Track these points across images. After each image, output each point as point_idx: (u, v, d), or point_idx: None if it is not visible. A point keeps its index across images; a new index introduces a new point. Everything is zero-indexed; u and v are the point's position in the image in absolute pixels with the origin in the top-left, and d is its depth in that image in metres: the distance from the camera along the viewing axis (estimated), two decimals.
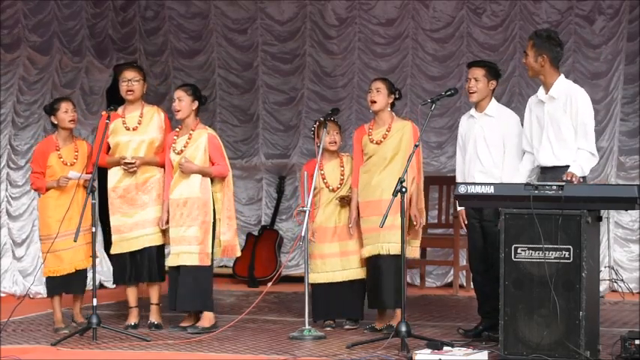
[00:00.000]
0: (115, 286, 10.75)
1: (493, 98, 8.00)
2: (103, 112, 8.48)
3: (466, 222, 8.00)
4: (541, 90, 7.50)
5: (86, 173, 8.37)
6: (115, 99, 10.29)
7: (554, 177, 7.26)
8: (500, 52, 11.02)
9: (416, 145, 7.72)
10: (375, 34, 11.55)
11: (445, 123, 11.31)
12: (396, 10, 11.45)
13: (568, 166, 7.28)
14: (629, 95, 10.68)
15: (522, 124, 7.77)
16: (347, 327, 8.42)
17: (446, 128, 11.32)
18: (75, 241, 7.97)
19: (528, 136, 7.59)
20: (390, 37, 11.51)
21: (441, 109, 11.00)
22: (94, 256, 8.01)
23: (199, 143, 8.31)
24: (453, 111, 11.27)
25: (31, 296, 10.05)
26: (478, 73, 7.93)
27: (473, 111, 8.03)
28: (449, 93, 7.99)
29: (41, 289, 10.33)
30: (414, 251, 8.30)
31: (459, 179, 8.02)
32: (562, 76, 7.48)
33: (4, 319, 8.39)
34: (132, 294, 8.52)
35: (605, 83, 10.69)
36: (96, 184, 8.10)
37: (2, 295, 10.17)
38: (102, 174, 8.55)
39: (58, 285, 8.47)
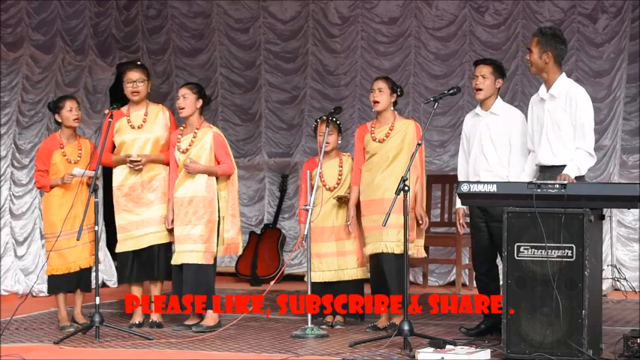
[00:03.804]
0: (117, 285, 10.86)
1: (499, 97, 7.99)
2: (106, 111, 8.48)
3: (461, 221, 7.98)
4: (542, 88, 7.49)
5: (90, 170, 8.37)
6: (118, 97, 10.34)
7: (552, 176, 7.25)
8: (503, 51, 11.02)
9: (418, 144, 7.72)
10: (377, 32, 11.55)
11: (448, 121, 11.32)
12: (398, 8, 11.45)
13: (567, 166, 7.29)
14: (631, 94, 10.68)
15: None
16: (338, 327, 8.42)
17: (448, 127, 11.32)
18: (78, 239, 7.99)
19: (531, 135, 7.60)
20: (392, 36, 11.51)
21: (443, 108, 11.01)
22: (96, 255, 8.01)
23: (204, 142, 8.30)
24: (455, 109, 11.28)
25: (34, 294, 10.06)
26: (485, 70, 7.91)
27: (478, 109, 8.01)
28: (451, 92, 7.98)
29: (44, 288, 10.34)
30: (419, 250, 8.29)
31: (461, 177, 8.02)
32: (564, 74, 7.45)
33: (8, 318, 8.38)
34: (137, 293, 8.52)
35: (607, 82, 10.69)
36: (99, 182, 8.10)
37: (4, 293, 10.17)
38: (107, 173, 8.55)
39: (60, 283, 8.47)
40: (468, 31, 11.24)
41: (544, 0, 10.93)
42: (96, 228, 8.00)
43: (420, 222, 8.10)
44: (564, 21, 10.82)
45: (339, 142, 8.63)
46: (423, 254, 8.37)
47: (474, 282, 10.72)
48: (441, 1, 11.29)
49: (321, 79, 11.78)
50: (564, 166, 7.28)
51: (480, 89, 7.91)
